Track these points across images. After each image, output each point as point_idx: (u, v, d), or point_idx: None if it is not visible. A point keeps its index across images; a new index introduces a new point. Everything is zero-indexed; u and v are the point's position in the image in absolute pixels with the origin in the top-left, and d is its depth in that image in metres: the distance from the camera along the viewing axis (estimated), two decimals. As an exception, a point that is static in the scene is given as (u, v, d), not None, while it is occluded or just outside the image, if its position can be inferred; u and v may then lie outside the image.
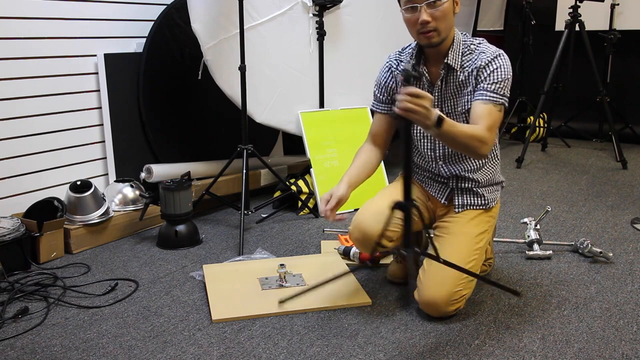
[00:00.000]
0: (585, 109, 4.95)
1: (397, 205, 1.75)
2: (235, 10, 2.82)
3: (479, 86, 1.93)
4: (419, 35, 1.93)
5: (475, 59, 1.96)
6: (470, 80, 1.97)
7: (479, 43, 2.00)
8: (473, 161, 2.09)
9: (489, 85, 1.91)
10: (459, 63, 1.98)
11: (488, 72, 1.92)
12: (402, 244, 1.75)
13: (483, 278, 1.93)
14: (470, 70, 1.97)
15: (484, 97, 1.90)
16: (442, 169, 2.14)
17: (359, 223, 2.07)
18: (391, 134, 2.22)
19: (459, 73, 1.99)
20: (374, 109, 2.22)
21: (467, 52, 1.99)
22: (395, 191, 2.20)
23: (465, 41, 2.00)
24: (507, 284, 2.28)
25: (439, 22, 1.89)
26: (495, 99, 1.89)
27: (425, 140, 2.13)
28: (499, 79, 1.91)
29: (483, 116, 1.87)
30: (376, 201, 2.15)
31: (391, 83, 2.14)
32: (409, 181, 1.74)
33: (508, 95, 1.93)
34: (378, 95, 2.18)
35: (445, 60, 1.98)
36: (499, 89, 1.90)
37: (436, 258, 1.82)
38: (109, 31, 3.10)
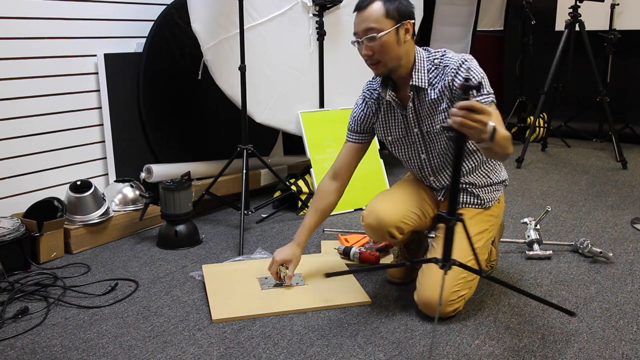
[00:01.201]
0: (585, 109, 4.95)
1: (438, 218, 1.72)
2: (235, 10, 2.83)
3: (463, 97, 1.90)
4: (369, 66, 1.98)
5: (442, 75, 1.95)
6: (442, 97, 1.96)
7: (442, 55, 1.97)
8: (462, 166, 2.07)
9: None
10: (426, 81, 1.97)
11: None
12: (442, 256, 1.74)
13: (538, 298, 1.88)
14: (440, 87, 1.95)
15: (480, 101, 1.88)
16: (433, 184, 2.15)
17: (375, 210, 2.07)
18: (357, 164, 2.21)
19: (429, 91, 1.98)
20: (346, 138, 2.22)
21: (433, 68, 1.97)
22: (411, 186, 2.20)
23: (428, 57, 1.99)
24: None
25: (380, 54, 1.91)
26: (485, 99, 1.87)
27: (412, 161, 2.15)
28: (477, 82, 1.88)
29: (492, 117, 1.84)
30: (393, 192, 2.17)
31: (368, 112, 2.15)
32: (455, 195, 1.69)
33: (492, 91, 1.91)
34: (352, 125, 2.19)
35: (411, 82, 1.97)
36: (482, 89, 1.88)
37: (479, 272, 1.82)
38: (109, 31, 3.10)
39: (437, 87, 1.96)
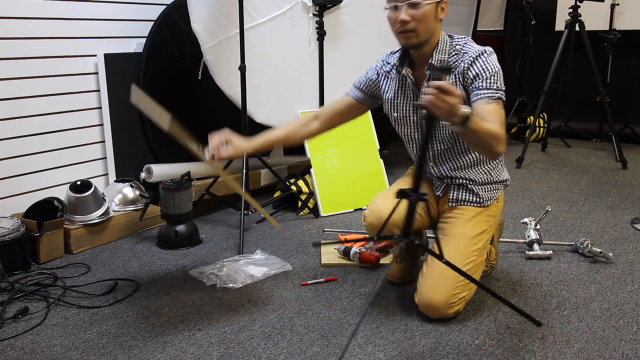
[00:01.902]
0: (585, 109, 4.95)
1: (402, 194, 1.76)
2: (235, 10, 2.83)
3: (472, 87, 1.92)
4: (398, 35, 1.96)
5: (460, 61, 1.96)
6: (456, 83, 1.96)
7: (464, 43, 1.99)
8: (462, 159, 2.08)
9: (482, 83, 1.89)
10: (445, 62, 1.98)
11: (475, 72, 1.91)
12: (401, 232, 1.79)
13: (508, 302, 1.91)
14: (455, 72, 1.96)
15: (484, 96, 1.88)
16: (432, 170, 2.14)
17: (377, 209, 2.08)
18: (342, 119, 2.21)
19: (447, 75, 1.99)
20: (347, 91, 2.24)
21: (453, 53, 1.98)
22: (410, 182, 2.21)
23: (451, 42, 2.00)
24: (507, 284, 2.29)
25: (418, 23, 1.90)
26: (492, 95, 1.88)
27: (413, 143, 2.15)
28: (489, 75, 1.89)
29: (491, 115, 1.83)
30: (394, 190, 2.14)
31: (377, 80, 2.18)
32: (420, 174, 1.74)
33: (503, 88, 1.91)
34: (359, 82, 2.21)
35: (430, 61, 1.97)
36: (492, 84, 1.89)
37: (439, 256, 1.83)
38: (109, 31, 3.10)
39: (454, 71, 1.97)
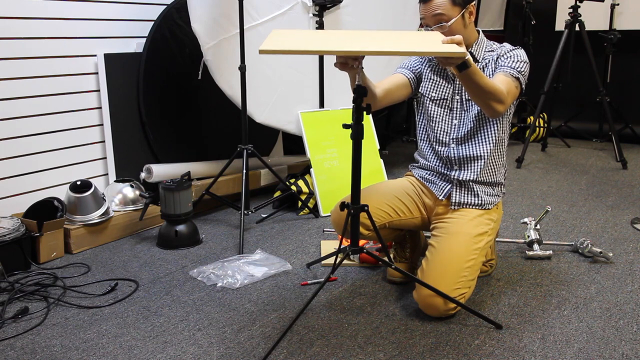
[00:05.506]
0: (585, 109, 4.94)
1: (344, 206, 1.97)
2: (235, 10, 2.83)
3: (498, 66, 2.08)
4: None
5: (495, 52, 2.12)
6: (488, 68, 2.11)
7: (501, 44, 2.16)
8: (482, 143, 2.14)
9: (507, 63, 2.05)
10: (482, 55, 2.13)
11: (507, 56, 2.08)
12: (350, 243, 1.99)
13: (468, 308, 1.98)
14: (489, 60, 2.11)
15: (502, 70, 2.04)
16: (452, 151, 2.17)
17: (338, 207, 2.19)
18: (391, 91, 2.19)
19: (479, 64, 2.12)
20: (397, 71, 2.29)
21: (489, 50, 2.15)
22: (386, 185, 2.30)
23: (488, 42, 2.17)
24: (507, 284, 2.29)
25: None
26: (511, 73, 2.02)
27: (442, 124, 2.19)
28: (517, 60, 2.05)
29: (502, 83, 1.98)
30: (364, 190, 2.26)
31: (419, 62, 2.27)
32: (357, 185, 1.90)
33: (525, 76, 2.06)
34: (404, 64, 2.29)
35: (469, 50, 2.12)
36: (517, 67, 2.04)
37: (388, 264, 2.01)
38: (109, 31, 3.11)
39: (486, 60, 2.13)
